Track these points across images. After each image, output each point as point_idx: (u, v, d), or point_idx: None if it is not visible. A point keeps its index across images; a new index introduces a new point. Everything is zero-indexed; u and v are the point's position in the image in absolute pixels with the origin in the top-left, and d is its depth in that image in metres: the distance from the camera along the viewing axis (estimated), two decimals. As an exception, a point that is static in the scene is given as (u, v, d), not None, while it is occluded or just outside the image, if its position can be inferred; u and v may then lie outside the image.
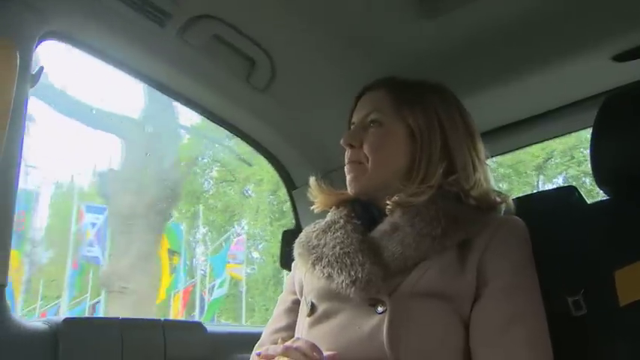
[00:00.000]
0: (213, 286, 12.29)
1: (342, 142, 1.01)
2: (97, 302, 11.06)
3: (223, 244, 13.36)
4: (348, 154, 1.02)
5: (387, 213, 0.93)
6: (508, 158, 10.41)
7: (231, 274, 12.23)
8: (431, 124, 0.97)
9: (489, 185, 0.99)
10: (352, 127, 1.05)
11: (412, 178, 0.94)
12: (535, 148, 10.31)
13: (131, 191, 10.23)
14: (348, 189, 1.01)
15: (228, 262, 12.21)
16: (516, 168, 10.82)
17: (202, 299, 12.59)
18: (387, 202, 0.93)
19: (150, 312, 10.10)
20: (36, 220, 11.15)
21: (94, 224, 10.96)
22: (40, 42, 0.99)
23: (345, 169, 1.02)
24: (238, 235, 14.54)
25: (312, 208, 1.08)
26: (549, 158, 10.50)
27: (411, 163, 0.96)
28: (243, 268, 12.74)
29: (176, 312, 11.58)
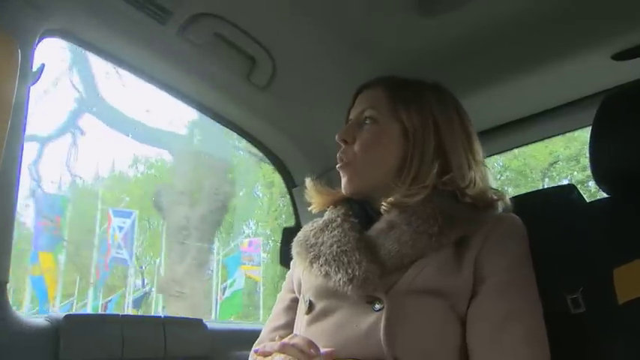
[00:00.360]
0: (225, 287, 12.53)
1: (336, 137, 1.02)
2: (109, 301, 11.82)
3: (235, 246, 13.52)
4: (339, 151, 1.02)
5: (383, 213, 0.94)
6: (514, 163, 10.45)
7: (247, 275, 12.34)
8: (425, 123, 0.97)
9: (486, 184, 0.99)
10: (348, 123, 1.05)
11: (403, 177, 0.94)
12: (541, 154, 10.36)
13: (185, 204, 10.93)
14: (343, 190, 1.02)
15: (244, 264, 12.32)
16: (523, 172, 10.84)
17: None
18: (383, 203, 0.93)
19: (201, 313, 10.93)
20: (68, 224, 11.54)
21: (121, 228, 11.48)
22: (41, 39, 0.99)
23: (340, 172, 1.02)
24: (247, 236, 14.64)
25: (309, 209, 1.09)
26: (555, 162, 10.51)
27: (403, 161, 0.96)
28: (260, 269, 12.84)
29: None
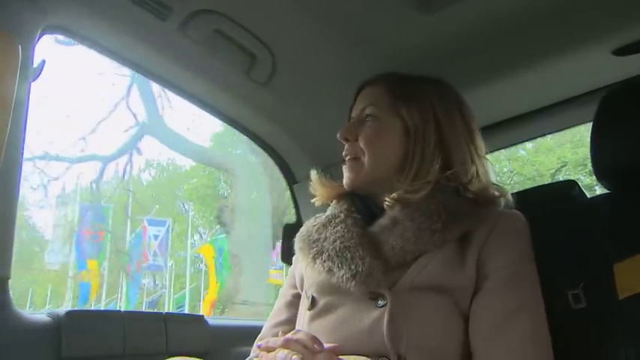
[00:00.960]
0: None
1: (338, 136, 1.02)
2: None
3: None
4: (344, 149, 1.02)
5: (386, 209, 0.94)
6: (523, 168, 10.51)
7: (269, 280, 12.43)
8: (426, 119, 0.97)
9: (488, 179, 0.99)
10: (350, 121, 1.05)
11: (405, 172, 0.94)
12: (550, 159, 10.47)
13: (246, 220, 11.63)
14: (345, 185, 1.02)
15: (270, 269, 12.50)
16: (531, 177, 10.89)
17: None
18: (386, 199, 0.93)
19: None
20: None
21: (156, 236, 12.25)
22: (41, 35, 0.99)
23: (344, 168, 1.02)
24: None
25: (312, 201, 1.08)
26: (563, 166, 10.56)
27: (405, 157, 0.96)
28: (282, 273, 13.00)
29: (206, 313, 12.34)
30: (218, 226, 13.80)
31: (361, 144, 0.99)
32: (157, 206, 13.31)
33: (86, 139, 11.64)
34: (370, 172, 0.98)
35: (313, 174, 1.09)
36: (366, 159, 0.98)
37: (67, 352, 1.00)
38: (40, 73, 0.97)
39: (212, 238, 13.99)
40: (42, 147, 12.14)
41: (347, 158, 1.02)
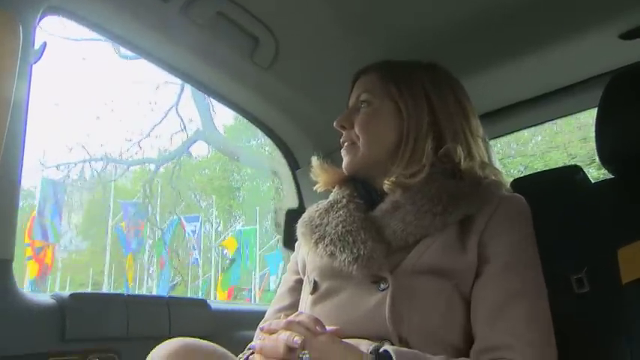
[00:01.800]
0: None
1: (335, 124, 1.04)
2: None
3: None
4: (342, 136, 1.03)
5: (387, 192, 0.94)
6: (536, 163, 10.60)
7: None
8: (418, 101, 0.97)
9: (485, 160, 0.99)
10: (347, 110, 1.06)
11: (400, 154, 0.95)
12: (560, 154, 10.64)
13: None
14: (344, 169, 1.03)
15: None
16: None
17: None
18: (385, 181, 0.93)
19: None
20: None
21: (193, 231, 13.33)
22: (42, 17, 0.97)
23: (342, 153, 1.03)
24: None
25: (315, 187, 1.09)
26: (573, 158, 10.64)
27: (399, 139, 0.97)
28: None
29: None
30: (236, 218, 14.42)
31: (356, 130, 1.00)
32: (183, 202, 13.95)
33: (141, 143, 12.71)
34: (367, 155, 0.99)
35: (314, 160, 1.10)
36: (361, 143, 0.99)
37: (71, 334, 1.00)
38: (41, 55, 0.96)
39: (235, 230, 14.78)
40: (101, 150, 13.24)
41: (344, 144, 1.03)
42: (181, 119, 10.65)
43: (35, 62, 0.96)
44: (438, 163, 0.93)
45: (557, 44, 1.24)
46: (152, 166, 13.18)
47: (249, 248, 13.23)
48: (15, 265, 0.95)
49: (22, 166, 0.94)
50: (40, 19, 0.97)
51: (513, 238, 0.88)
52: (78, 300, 1.05)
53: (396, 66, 1.04)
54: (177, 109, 10.41)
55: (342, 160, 1.03)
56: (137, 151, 12.85)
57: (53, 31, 8.84)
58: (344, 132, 1.03)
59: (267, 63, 1.30)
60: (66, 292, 1.05)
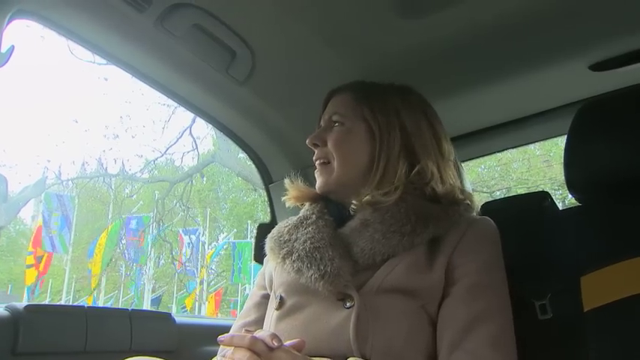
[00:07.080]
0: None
1: (307, 142, 1.04)
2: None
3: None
4: (315, 153, 1.04)
5: (352, 212, 0.95)
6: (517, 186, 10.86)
7: None
8: (391, 123, 0.98)
9: (456, 184, 1.00)
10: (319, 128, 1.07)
11: (372, 175, 0.96)
12: (541, 179, 10.93)
13: None
14: (317, 189, 1.03)
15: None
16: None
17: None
18: (354, 201, 0.94)
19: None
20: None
21: (189, 244, 13.62)
22: (10, 20, 0.95)
23: (316, 173, 1.04)
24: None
25: (283, 200, 1.09)
26: (552, 184, 10.86)
27: (372, 161, 0.97)
28: None
29: (210, 312, 13.75)
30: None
31: (330, 148, 1.00)
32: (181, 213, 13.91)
33: (155, 162, 13.38)
34: (341, 175, 0.99)
35: (286, 179, 1.10)
36: (335, 162, 0.99)
37: (23, 348, 0.97)
38: (8, 59, 0.94)
39: (227, 243, 15.35)
40: (115, 166, 13.81)
41: (317, 162, 1.03)
42: (194, 139, 11.13)
43: (2, 66, 0.94)
44: (410, 185, 0.94)
45: (529, 73, 1.27)
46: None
47: (243, 262, 13.48)
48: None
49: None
50: (9, 23, 0.95)
51: (481, 261, 0.89)
52: (33, 312, 1.01)
53: (369, 87, 1.05)
54: (190, 129, 10.84)
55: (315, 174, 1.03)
56: (152, 169, 13.68)
57: (81, 56, 9.60)
58: (316, 150, 1.03)
59: (243, 77, 1.29)
60: (21, 304, 1.02)
